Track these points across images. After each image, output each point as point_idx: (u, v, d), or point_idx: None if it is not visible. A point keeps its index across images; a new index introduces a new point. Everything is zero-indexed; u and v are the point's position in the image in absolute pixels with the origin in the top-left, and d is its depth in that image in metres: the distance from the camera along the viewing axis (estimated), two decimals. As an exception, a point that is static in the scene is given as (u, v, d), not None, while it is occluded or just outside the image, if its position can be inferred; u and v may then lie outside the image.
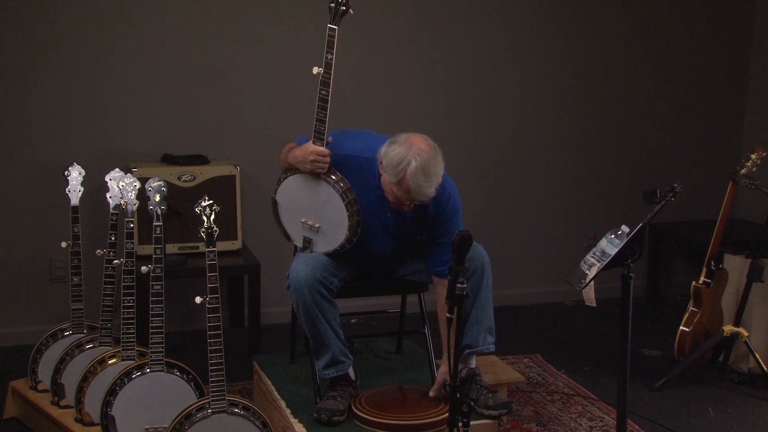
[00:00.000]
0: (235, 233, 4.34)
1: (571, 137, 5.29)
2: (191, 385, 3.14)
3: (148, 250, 3.68)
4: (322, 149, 3.05)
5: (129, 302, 3.22)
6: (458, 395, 3.10)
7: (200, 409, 2.88)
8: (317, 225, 3.15)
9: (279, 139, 4.25)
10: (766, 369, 3.97)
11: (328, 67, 3.01)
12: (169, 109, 4.55)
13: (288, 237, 3.25)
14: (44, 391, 3.49)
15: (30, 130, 4.38)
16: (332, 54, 3.01)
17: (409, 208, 3.05)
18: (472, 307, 3.14)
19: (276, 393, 3.34)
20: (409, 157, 2.90)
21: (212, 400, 2.87)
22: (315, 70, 3.02)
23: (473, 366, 3.20)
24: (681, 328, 4.13)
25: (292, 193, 3.19)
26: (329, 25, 3.04)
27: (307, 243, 3.19)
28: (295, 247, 3.49)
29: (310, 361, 3.36)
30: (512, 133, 5.17)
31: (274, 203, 3.23)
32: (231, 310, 4.75)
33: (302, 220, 3.18)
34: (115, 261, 3.32)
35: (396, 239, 3.24)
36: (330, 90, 3.03)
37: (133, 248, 3.24)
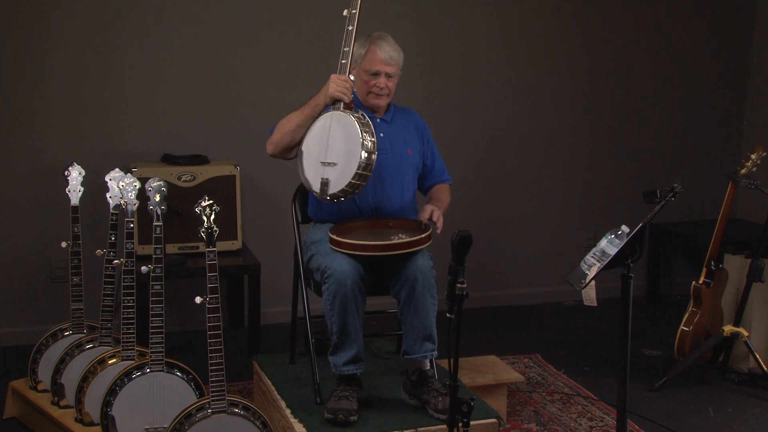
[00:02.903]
0: (235, 233, 4.34)
1: (571, 137, 5.29)
2: (191, 385, 3.14)
3: (148, 250, 3.68)
4: (342, 75, 3.16)
5: (129, 302, 3.22)
6: (417, 395, 3.19)
7: (200, 409, 2.88)
8: (335, 162, 3.14)
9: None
10: (766, 369, 3.97)
11: (354, 4, 3.20)
12: (169, 109, 4.55)
13: (309, 186, 3.21)
14: (44, 391, 3.49)
15: (30, 130, 4.38)
16: None
17: (383, 86, 3.30)
18: (407, 317, 3.18)
19: (276, 393, 3.34)
20: (370, 34, 3.35)
21: (212, 400, 2.87)
22: (345, 12, 3.21)
23: (427, 368, 3.22)
24: (681, 328, 4.13)
25: (315, 137, 3.20)
26: None
27: (324, 185, 3.14)
28: (295, 246, 3.49)
29: (310, 361, 3.36)
30: (512, 133, 5.17)
31: (300, 154, 3.23)
32: (231, 310, 4.75)
33: (321, 161, 3.17)
34: (115, 261, 3.31)
35: (393, 164, 3.33)
36: (356, 26, 3.18)
37: (133, 248, 3.24)
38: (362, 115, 3.16)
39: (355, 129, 3.08)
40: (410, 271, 3.15)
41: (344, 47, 3.20)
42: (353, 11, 3.21)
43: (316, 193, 3.18)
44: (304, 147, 3.22)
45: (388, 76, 3.32)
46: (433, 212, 3.30)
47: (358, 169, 3.06)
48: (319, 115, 3.20)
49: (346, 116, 3.13)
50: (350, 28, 3.19)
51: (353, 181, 3.08)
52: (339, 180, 3.12)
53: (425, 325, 3.17)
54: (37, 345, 3.53)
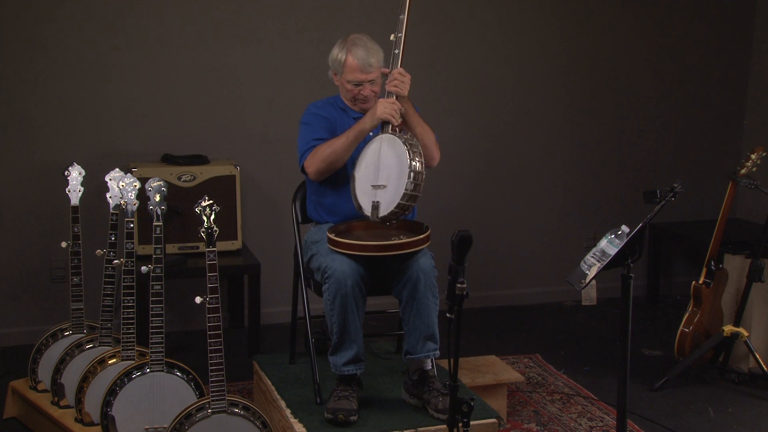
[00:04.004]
0: (235, 233, 4.34)
1: (571, 137, 5.29)
2: (191, 385, 3.14)
3: (148, 250, 3.68)
4: (390, 98, 3.20)
5: (129, 302, 3.22)
6: (418, 394, 3.20)
7: (200, 409, 2.88)
8: (384, 184, 3.16)
9: (279, 139, 4.27)
10: (766, 369, 3.97)
11: (400, 28, 3.23)
12: (169, 109, 4.55)
13: (361, 211, 3.24)
14: (44, 391, 3.49)
15: (30, 130, 4.38)
16: (404, 15, 3.23)
17: (367, 94, 3.31)
18: (409, 316, 3.18)
19: (276, 393, 3.34)
20: (346, 38, 3.33)
21: (212, 400, 2.87)
22: (392, 36, 3.23)
23: (428, 368, 3.23)
24: (681, 328, 4.13)
25: (367, 161, 3.24)
26: None
27: (375, 209, 3.17)
28: (295, 246, 3.49)
29: (310, 361, 3.37)
30: (512, 133, 5.17)
31: (352, 179, 3.27)
32: (231, 310, 4.75)
33: (372, 184, 3.19)
34: (115, 261, 3.32)
35: None
36: (402, 50, 3.22)
37: (133, 248, 3.24)
38: (411, 137, 3.20)
39: (404, 152, 3.11)
40: (412, 271, 3.15)
41: (391, 70, 3.24)
42: (399, 35, 3.22)
43: (368, 216, 3.21)
44: (357, 173, 3.26)
45: (371, 81, 3.33)
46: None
47: (406, 190, 3.08)
48: (369, 138, 3.25)
49: (395, 139, 3.16)
50: (396, 51, 3.22)
51: (402, 202, 3.10)
52: (390, 202, 3.15)
53: (427, 325, 3.18)
54: (37, 345, 3.53)
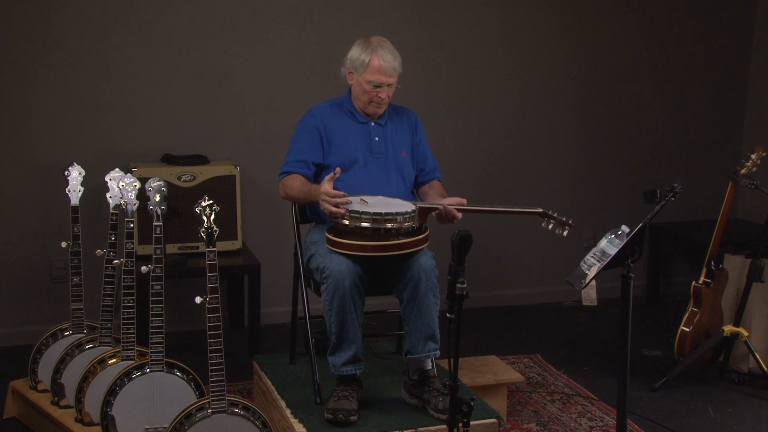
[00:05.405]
0: (235, 233, 4.34)
1: (571, 137, 5.29)
2: (191, 385, 3.14)
3: (148, 250, 3.68)
4: (338, 196, 3.18)
5: (129, 302, 3.22)
6: (419, 394, 3.20)
7: (200, 409, 2.88)
8: (368, 202, 3.19)
9: (279, 139, 4.27)
10: (766, 369, 3.97)
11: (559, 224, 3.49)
12: (169, 109, 4.55)
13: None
14: (44, 391, 3.49)
15: (30, 130, 4.38)
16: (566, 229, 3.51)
17: (384, 97, 3.32)
18: (410, 316, 3.18)
19: (276, 393, 3.34)
20: (369, 39, 3.33)
21: (212, 400, 2.88)
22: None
23: (428, 368, 3.23)
24: (681, 328, 4.13)
25: (386, 193, 3.34)
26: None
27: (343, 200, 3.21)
28: (295, 246, 3.49)
29: (310, 361, 3.37)
30: (512, 133, 5.17)
31: (369, 181, 3.37)
32: (231, 310, 4.75)
33: (362, 198, 3.22)
34: (115, 261, 3.32)
35: (389, 168, 3.38)
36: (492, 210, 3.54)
37: (133, 248, 3.24)
38: (418, 222, 3.22)
39: (403, 212, 3.12)
40: (414, 271, 3.15)
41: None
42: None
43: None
44: (373, 189, 3.33)
45: (389, 85, 3.33)
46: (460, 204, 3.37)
47: (365, 211, 3.10)
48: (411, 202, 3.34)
49: (412, 209, 3.19)
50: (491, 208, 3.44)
51: (355, 213, 3.11)
52: (358, 207, 3.16)
53: (428, 325, 3.18)
54: (37, 345, 3.53)
